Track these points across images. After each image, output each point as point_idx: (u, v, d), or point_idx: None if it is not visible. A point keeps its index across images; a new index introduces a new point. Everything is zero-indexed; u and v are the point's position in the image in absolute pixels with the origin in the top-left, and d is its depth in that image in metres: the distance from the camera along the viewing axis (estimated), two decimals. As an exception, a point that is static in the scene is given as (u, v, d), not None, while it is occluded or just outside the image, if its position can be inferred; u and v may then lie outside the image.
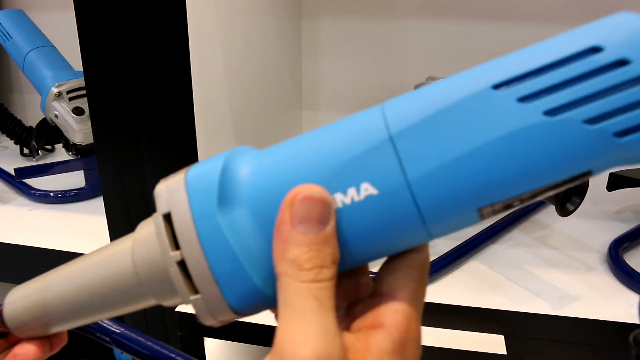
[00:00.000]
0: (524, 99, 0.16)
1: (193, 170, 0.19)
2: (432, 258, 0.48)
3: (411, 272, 0.20)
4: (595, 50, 0.16)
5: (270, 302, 0.19)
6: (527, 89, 0.16)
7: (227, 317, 0.19)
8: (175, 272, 0.19)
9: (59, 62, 0.66)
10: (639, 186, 0.51)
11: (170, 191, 0.19)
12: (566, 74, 0.16)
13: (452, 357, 0.41)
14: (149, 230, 0.20)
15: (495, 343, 0.42)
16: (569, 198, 0.44)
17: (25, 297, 0.23)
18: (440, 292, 0.45)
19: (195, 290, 0.19)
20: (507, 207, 0.18)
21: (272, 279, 0.18)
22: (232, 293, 0.18)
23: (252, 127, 0.58)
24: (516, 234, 0.55)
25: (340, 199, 0.18)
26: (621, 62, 0.15)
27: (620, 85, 0.15)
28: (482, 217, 0.18)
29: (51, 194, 0.64)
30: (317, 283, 0.18)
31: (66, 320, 0.23)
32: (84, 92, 0.63)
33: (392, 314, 0.19)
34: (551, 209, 0.59)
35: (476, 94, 0.17)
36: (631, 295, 0.44)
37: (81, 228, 0.58)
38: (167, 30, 0.39)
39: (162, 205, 0.19)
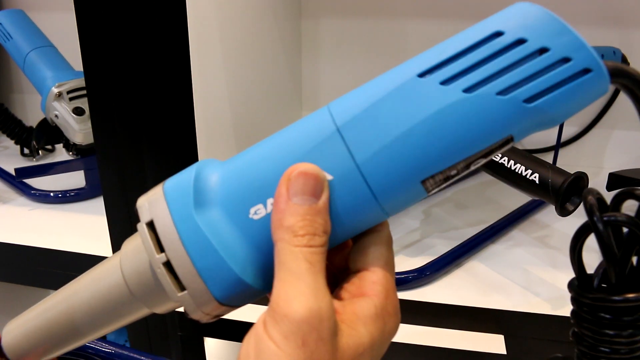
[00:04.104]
0: (445, 82, 0.19)
1: (169, 181, 0.22)
2: (432, 258, 0.48)
3: (379, 249, 0.22)
4: (498, 34, 0.19)
5: (250, 290, 0.21)
6: (446, 73, 0.19)
7: (214, 309, 0.21)
8: (162, 273, 0.20)
9: (59, 62, 0.66)
10: (639, 186, 0.51)
11: (151, 201, 0.21)
12: (477, 56, 0.19)
13: (452, 357, 0.41)
14: (134, 243, 0.22)
15: (495, 343, 0.42)
16: (568, 198, 0.44)
17: (22, 324, 0.24)
18: (440, 292, 0.45)
19: (182, 288, 0.20)
20: (446, 178, 0.20)
21: (249, 267, 0.20)
22: (216, 284, 0.20)
23: (251, 127, 0.58)
24: (516, 234, 0.55)
25: None
26: (519, 42, 0.18)
27: (521, 60, 0.18)
28: (427, 190, 0.20)
29: (51, 194, 0.64)
30: (309, 248, 0.20)
31: (64, 343, 0.24)
32: (84, 92, 0.63)
33: (371, 285, 0.21)
34: (551, 209, 0.59)
35: (405, 83, 0.19)
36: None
37: (81, 228, 0.58)
38: (167, 30, 0.39)
39: (144, 215, 0.21)
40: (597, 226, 0.22)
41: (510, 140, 0.19)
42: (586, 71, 0.18)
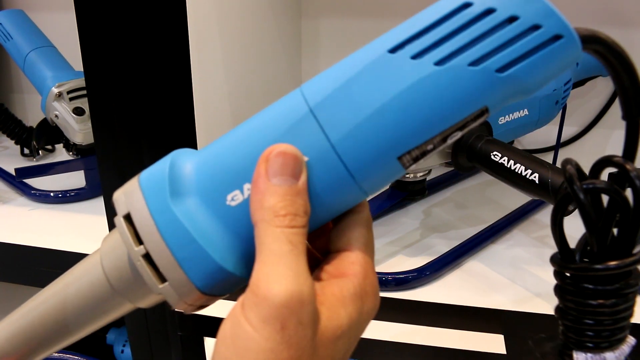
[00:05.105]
0: (416, 56, 0.19)
1: (144, 173, 0.21)
2: (432, 258, 0.48)
3: (358, 230, 0.22)
4: (466, 5, 0.19)
5: (232, 278, 0.20)
6: (417, 47, 0.19)
7: (197, 299, 0.21)
8: (142, 265, 0.20)
9: (60, 62, 0.66)
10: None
11: (127, 194, 0.21)
12: (446, 29, 0.19)
13: (452, 357, 0.41)
14: (112, 239, 0.22)
15: (495, 343, 0.42)
16: (568, 198, 0.44)
17: (4, 328, 0.24)
18: (440, 292, 0.45)
19: (163, 279, 0.20)
20: (423, 153, 0.20)
21: (230, 254, 0.20)
22: (197, 274, 0.20)
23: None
24: (516, 234, 0.55)
25: None
26: (488, 11, 0.18)
27: (491, 29, 0.18)
28: (405, 166, 0.20)
29: (51, 194, 0.64)
30: (291, 229, 0.19)
31: (48, 344, 0.23)
32: (84, 92, 0.63)
33: (350, 265, 0.21)
34: (551, 209, 0.59)
35: (376, 59, 0.19)
36: (631, 295, 0.44)
37: (81, 228, 0.58)
38: (167, 30, 0.39)
39: (121, 208, 0.21)
40: (577, 194, 0.21)
41: (485, 111, 0.19)
42: (557, 37, 0.18)
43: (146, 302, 0.22)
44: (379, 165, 0.20)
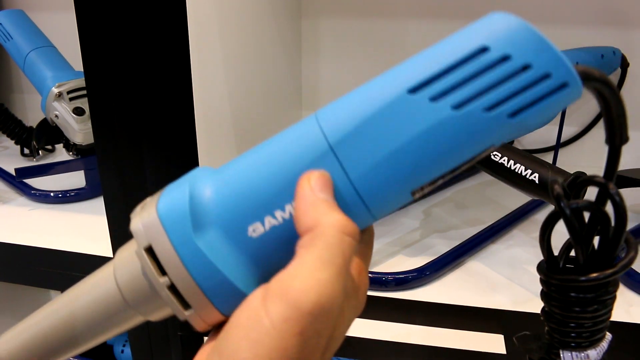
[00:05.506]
0: (434, 99, 0.19)
1: (162, 202, 0.21)
2: (432, 258, 0.48)
3: (362, 242, 0.23)
4: (484, 49, 0.19)
5: None
6: (435, 89, 0.19)
7: (219, 321, 0.21)
8: (167, 296, 0.21)
9: (60, 62, 0.66)
10: (639, 186, 0.51)
11: (147, 226, 0.21)
12: (464, 72, 0.19)
13: (452, 357, 0.41)
14: (126, 253, 0.22)
15: (495, 343, 0.42)
16: (568, 198, 0.44)
17: (15, 336, 0.24)
18: (440, 292, 0.45)
19: (187, 306, 0.21)
20: (432, 184, 0.21)
21: (253, 282, 0.21)
22: (221, 302, 0.21)
23: (252, 127, 0.58)
24: (516, 234, 0.55)
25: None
26: (505, 58, 0.19)
27: (507, 76, 0.19)
28: (415, 197, 0.21)
29: (51, 194, 0.64)
30: (353, 239, 0.19)
31: (56, 355, 0.24)
32: (84, 92, 0.63)
33: None
34: (551, 209, 0.59)
35: (395, 99, 0.20)
36: (630, 295, 0.44)
37: (81, 228, 0.58)
38: (167, 30, 0.39)
39: (142, 240, 0.21)
40: (565, 212, 0.24)
41: (491, 147, 0.20)
42: (564, 85, 0.19)
43: (158, 316, 0.23)
44: (392, 198, 0.21)
